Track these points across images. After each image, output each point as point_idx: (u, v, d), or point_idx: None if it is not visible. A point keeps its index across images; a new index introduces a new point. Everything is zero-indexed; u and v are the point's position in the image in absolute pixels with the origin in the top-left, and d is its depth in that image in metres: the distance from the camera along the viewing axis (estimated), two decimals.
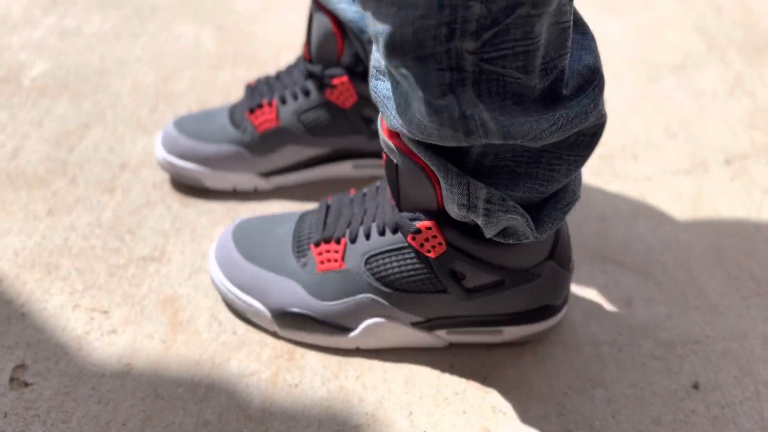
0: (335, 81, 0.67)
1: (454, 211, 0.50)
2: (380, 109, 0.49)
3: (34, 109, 0.81)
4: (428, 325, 0.56)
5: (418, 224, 0.51)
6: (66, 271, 0.62)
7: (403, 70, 0.43)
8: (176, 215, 0.69)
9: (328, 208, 0.59)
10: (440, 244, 0.52)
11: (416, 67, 0.42)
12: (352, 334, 0.57)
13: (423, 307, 0.56)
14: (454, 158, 0.48)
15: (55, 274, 0.62)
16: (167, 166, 0.70)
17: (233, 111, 0.71)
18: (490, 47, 0.42)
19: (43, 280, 0.61)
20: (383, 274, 0.55)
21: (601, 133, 0.49)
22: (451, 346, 0.58)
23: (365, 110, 0.69)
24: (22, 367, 0.54)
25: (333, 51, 0.66)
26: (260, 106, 0.69)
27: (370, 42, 0.64)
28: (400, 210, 0.53)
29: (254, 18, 1.02)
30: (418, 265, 0.54)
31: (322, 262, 0.56)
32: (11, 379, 0.53)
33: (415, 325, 0.56)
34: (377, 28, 0.43)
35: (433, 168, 0.48)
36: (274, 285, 0.57)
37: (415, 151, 0.48)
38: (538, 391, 0.55)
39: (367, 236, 0.55)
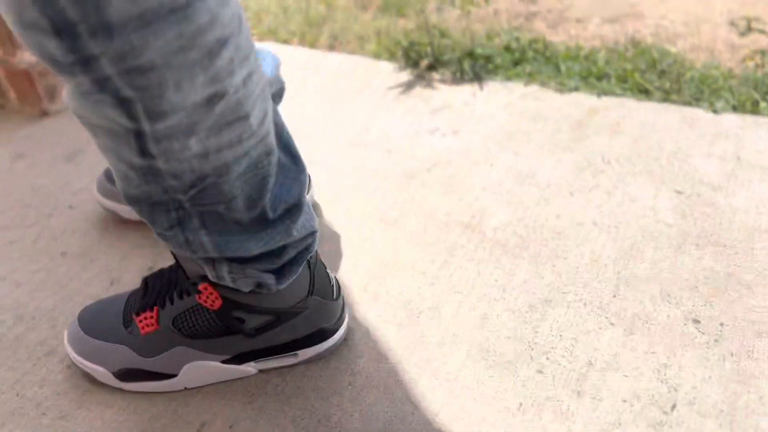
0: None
1: (212, 278, 0.65)
2: None
3: (497, 269, 0.83)
4: (237, 360, 0.71)
5: (200, 286, 0.67)
6: None
7: (139, 213, 0.59)
8: None
9: (146, 283, 0.73)
10: (217, 299, 0.67)
11: (147, 211, 0.58)
12: (177, 378, 0.71)
13: (225, 348, 0.71)
14: None
15: None
16: None
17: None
18: (196, 198, 0.56)
19: None
20: (187, 327, 0.69)
21: (315, 230, 0.66)
22: None
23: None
24: None
25: None
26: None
27: None
28: (188, 278, 0.68)
29: (718, 187, 0.93)
30: (208, 317, 0.69)
31: (142, 327, 0.71)
32: None
33: (226, 362, 0.71)
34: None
35: (189, 255, 0.62)
36: (110, 351, 0.71)
37: None
38: None
39: (171, 301, 0.70)
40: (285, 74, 1.30)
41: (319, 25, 1.57)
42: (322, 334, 0.72)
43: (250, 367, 0.72)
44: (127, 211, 0.95)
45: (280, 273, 0.66)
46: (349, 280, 0.84)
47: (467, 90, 1.19)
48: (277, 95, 0.88)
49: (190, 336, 0.70)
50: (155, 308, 0.70)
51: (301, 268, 0.67)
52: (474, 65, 1.24)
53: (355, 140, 1.09)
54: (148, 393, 0.72)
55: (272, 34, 1.52)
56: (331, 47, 1.43)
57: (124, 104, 0.48)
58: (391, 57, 1.33)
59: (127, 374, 0.71)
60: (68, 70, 0.47)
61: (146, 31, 0.45)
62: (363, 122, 1.13)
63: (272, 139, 0.57)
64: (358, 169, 1.03)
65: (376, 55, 1.35)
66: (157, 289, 0.72)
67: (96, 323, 0.74)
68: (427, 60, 1.27)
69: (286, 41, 1.49)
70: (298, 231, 0.63)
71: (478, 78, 1.22)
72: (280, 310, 0.69)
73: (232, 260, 0.63)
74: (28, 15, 0.44)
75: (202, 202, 0.57)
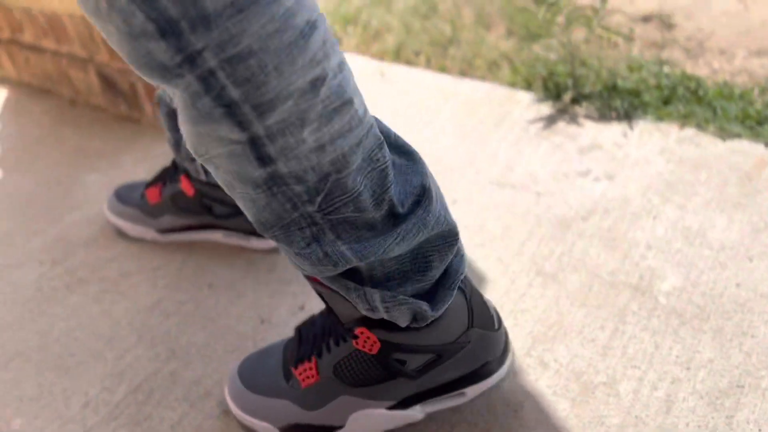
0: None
1: (366, 313, 0.62)
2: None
3: (677, 343, 0.76)
4: (402, 405, 0.68)
5: (356, 330, 0.65)
6: None
7: (275, 240, 0.58)
8: None
9: (300, 333, 0.72)
10: (375, 342, 0.64)
11: (282, 234, 0.57)
12: (344, 429, 0.69)
13: (389, 394, 0.68)
14: (354, 277, 0.61)
15: None
16: None
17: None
18: (325, 205, 0.55)
19: None
20: (348, 375, 0.67)
21: (455, 230, 0.62)
22: None
23: (204, 200, 0.94)
24: None
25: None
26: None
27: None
28: (342, 324, 0.66)
29: None
30: (368, 362, 0.66)
31: (303, 380, 0.69)
32: None
33: (391, 408, 0.68)
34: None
35: (337, 290, 0.61)
36: (274, 406, 0.70)
37: (323, 281, 0.61)
38: None
39: (329, 350, 0.68)
40: (416, 99, 1.26)
41: (444, 45, 1.52)
42: (489, 369, 0.68)
43: (416, 412, 0.69)
44: (135, 230, 1.00)
45: (432, 297, 0.63)
46: (511, 340, 0.79)
47: (616, 129, 1.12)
48: None
49: (352, 384, 0.67)
50: (313, 358, 0.68)
51: (454, 292, 0.64)
52: (621, 101, 1.17)
53: (499, 179, 1.04)
54: None
55: (395, 55, 1.49)
56: (461, 72, 1.38)
57: (232, 111, 0.49)
58: (528, 86, 1.28)
59: (293, 429, 0.69)
60: (177, 72, 0.48)
61: (241, 17, 0.47)
62: (506, 159, 1.08)
63: (378, 131, 0.57)
64: (506, 212, 0.98)
65: (512, 84, 1.30)
66: (312, 338, 0.70)
67: (257, 377, 0.72)
68: (570, 93, 1.20)
69: (410, 62, 1.45)
70: (434, 221, 0.59)
71: (627, 116, 1.15)
72: (440, 346, 0.66)
73: (381, 284, 0.61)
74: (136, 23, 0.46)
75: (331, 208, 0.55)
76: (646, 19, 1.65)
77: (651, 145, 1.08)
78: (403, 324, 0.63)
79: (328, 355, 0.67)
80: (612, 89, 1.22)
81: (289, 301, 0.88)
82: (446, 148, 1.12)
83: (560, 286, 0.85)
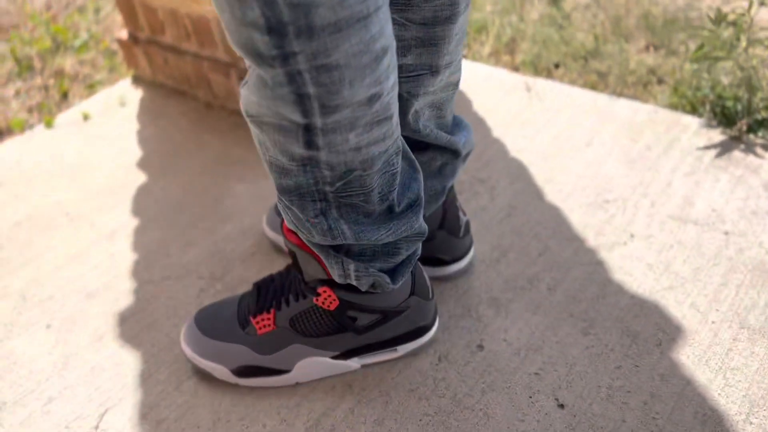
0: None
1: (337, 278, 0.72)
2: (285, 219, 0.70)
3: None
4: (344, 356, 0.79)
5: (319, 289, 0.75)
6: None
7: (289, 203, 0.67)
8: None
9: (258, 288, 0.80)
10: (335, 300, 0.75)
11: (297, 201, 0.66)
12: (290, 374, 0.78)
13: (336, 345, 0.78)
14: (336, 248, 0.70)
15: None
16: None
17: None
18: (341, 190, 0.64)
19: None
20: (303, 326, 0.77)
21: (426, 231, 0.73)
22: None
23: None
24: None
25: None
26: None
27: None
28: (305, 282, 0.76)
29: None
30: (324, 317, 0.76)
31: (260, 328, 0.78)
32: None
33: (335, 358, 0.78)
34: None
35: (319, 254, 0.70)
36: (229, 350, 0.78)
37: (307, 243, 0.71)
38: None
39: (287, 304, 0.77)
40: (570, 118, 1.18)
41: (585, 57, 1.44)
42: (420, 331, 0.79)
43: (354, 362, 0.79)
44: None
45: (394, 273, 0.74)
46: (724, 403, 0.72)
47: None
48: (467, 156, 0.87)
49: (305, 334, 0.77)
50: (272, 310, 0.77)
51: (410, 270, 0.74)
52: None
53: (678, 214, 0.97)
54: None
55: (532, 66, 1.42)
56: (613, 89, 1.30)
57: (302, 100, 0.56)
58: (693, 109, 1.19)
59: (244, 371, 0.78)
60: (269, 62, 0.54)
61: (338, 35, 0.53)
62: (683, 191, 1.00)
63: (400, 141, 0.66)
64: (693, 252, 0.90)
65: (673, 106, 1.21)
66: (271, 293, 0.79)
67: (213, 325, 0.80)
68: (745, 119, 1.11)
69: (549, 74, 1.38)
70: (418, 225, 0.70)
71: None
72: (387, 308, 0.76)
73: (356, 257, 0.70)
74: (251, 15, 0.52)
75: (344, 194, 0.64)
76: None
77: None
78: (363, 289, 0.73)
79: (287, 308, 0.77)
80: None
81: (465, 337, 0.83)
82: (613, 175, 1.05)
83: None
